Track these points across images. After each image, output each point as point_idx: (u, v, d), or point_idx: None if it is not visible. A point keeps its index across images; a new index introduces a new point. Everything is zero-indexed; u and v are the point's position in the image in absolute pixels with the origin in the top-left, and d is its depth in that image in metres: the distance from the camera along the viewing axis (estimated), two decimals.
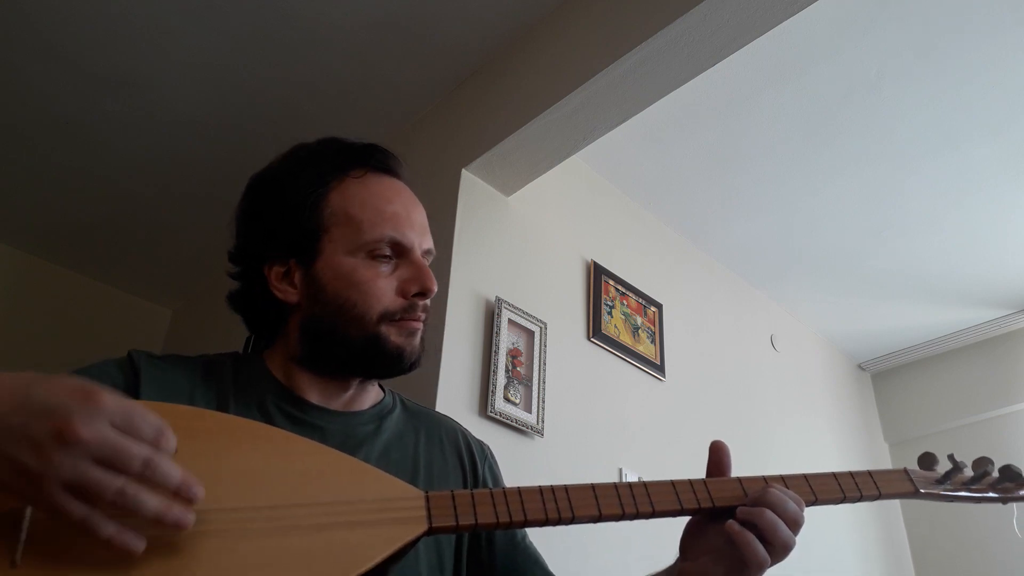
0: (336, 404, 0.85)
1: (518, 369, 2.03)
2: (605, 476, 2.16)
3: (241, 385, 0.83)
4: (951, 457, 0.80)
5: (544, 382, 2.06)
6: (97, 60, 2.32)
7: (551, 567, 0.91)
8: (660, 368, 2.50)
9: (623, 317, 2.46)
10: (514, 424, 1.94)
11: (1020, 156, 2.50)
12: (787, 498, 0.71)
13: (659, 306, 2.62)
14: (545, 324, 2.16)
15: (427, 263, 0.88)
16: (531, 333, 2.12)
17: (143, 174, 2.78)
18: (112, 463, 0.52)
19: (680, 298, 2.75)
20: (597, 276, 2.44)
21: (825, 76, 2.25)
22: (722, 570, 0.70)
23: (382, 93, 2.42)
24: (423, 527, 0.65)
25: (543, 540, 0.95)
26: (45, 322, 3.23)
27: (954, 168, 2.56)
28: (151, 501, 0.54)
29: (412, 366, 0.84)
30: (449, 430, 0.95)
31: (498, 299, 2.07)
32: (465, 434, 0.97)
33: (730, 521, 0.70)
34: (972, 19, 2.06)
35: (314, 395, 0.84)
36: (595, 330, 2.34)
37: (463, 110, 2.31)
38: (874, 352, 3.62)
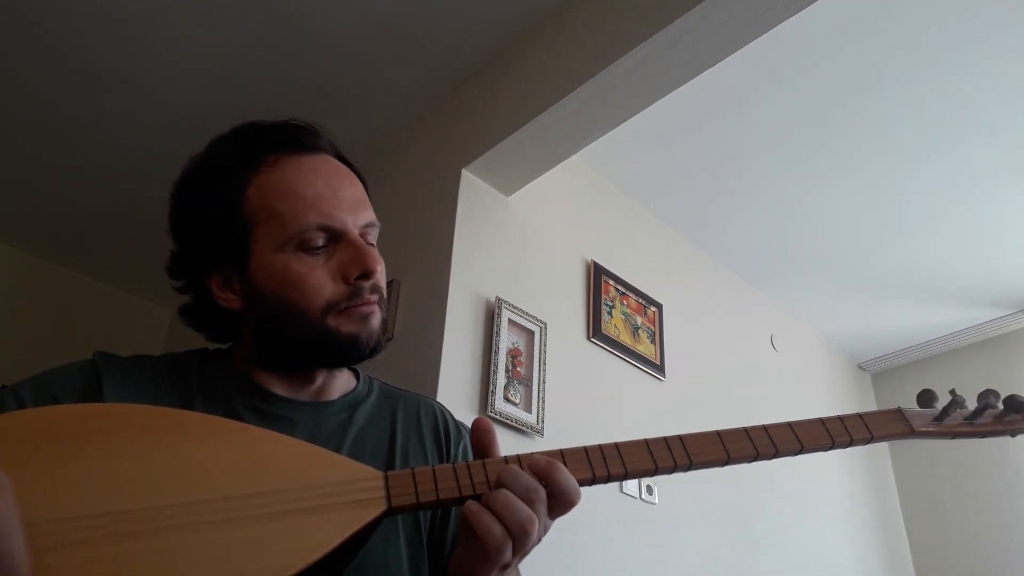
0: (304, 395, 0.83)
1: (518, 369, 2.03)
2: None
3: (207, 383, 0.82)
4: (952, 392, 0.75)
5: (544, 382, 2.06)
6: (97, 60, 2.32)
7: None
8: (660, 368, 2.50)
9: (623, 317, 2.46)
10: (514, 424, 1.94)
11: (1019, 155, 2.50)
12: (522, 472, 0.65)
13: (659, 306, 2.62)
14: (545, 324, 2.16)
15: (372, 239, 0.82)
16: (531, 333, 2.12)
17: (143, 174, 2.78)
18: None
19: (680, 298, 2.75)
20: (597, 276, 2.44)
21: (825, 76, 2.25)
22: (473, 556, 0.65)
23: (382, 93, 2.42)
24: (382, 507, 0.64)
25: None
26: (45, 322, 3.23)
27: (953, 167, 2.56)
28: None
29: (373, 351, 0.79)
30: (428, 408, 0.92)
31: (498, 299, 2.07)
32: (445, 414, 0.93)
33: (469, 502, 0.65)
34: (971, 19, 2.06)
35: (281, 389, 0.82)
36: (595, 330, 2.34)
37: (463, 110, 2.31)
38: (874, 352, 3.62)
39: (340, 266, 0.78)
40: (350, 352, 0.79)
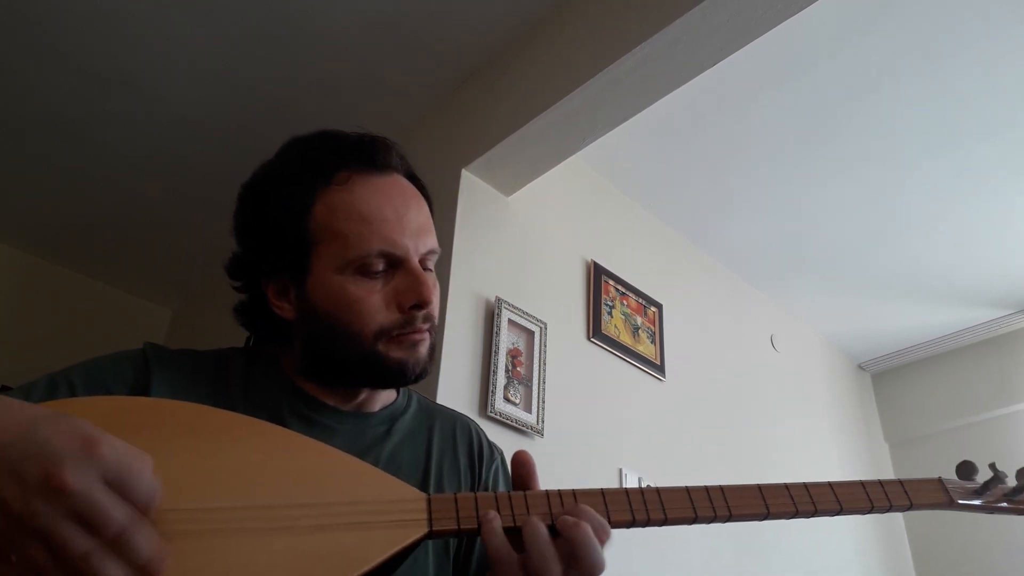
0: (348, 406, 0.85)
1: (518, 369, 2.03)
2: (605, 476, 2.16)
3: (251, 384, 0.82)
4: (992, 466, 0.76)
5: (544, 382, 2.06)
6: (97, 60, 2.32)
7: None
8: (660, 368, 2.50)
9: (623, 317, 2.46)
10: (514, 424, 1.94)
11: (1020, 155, 2.50)
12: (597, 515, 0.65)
13: (659, 306, 2.62)
14: (545, 324, 2.16)
15: (430, 264, 0.83)
16: (531, 333, 2.12)
17: (143, 174, 2.78)
18: (89, 522, 0.51)
19: (680, 298, 2.75)
20: (597, 276, 2.44)
21: (825, 76, 2.25)
22: None
23: (382, 93, 2.42)
24: (423, 530, 0.64)
25: None
26: (45, 322, 3.23)
27: (954, 168, 2.56)
28: (112, 573, 0.52)
29: (418, 376, 0.81)
30: (463, 427, 0.93)
31: (498, 299, 2.07)
32: (480, 434, 0.95)
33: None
34: (971, 19, 2.06)
35: (325, 398, 0.84)
36: (595, 330, 2.34)
37: (463, 110, 2.31)
38: (874, 352, 3.61)
39: (396, 293, 0.79)
40: (396, 377, 0.80)
